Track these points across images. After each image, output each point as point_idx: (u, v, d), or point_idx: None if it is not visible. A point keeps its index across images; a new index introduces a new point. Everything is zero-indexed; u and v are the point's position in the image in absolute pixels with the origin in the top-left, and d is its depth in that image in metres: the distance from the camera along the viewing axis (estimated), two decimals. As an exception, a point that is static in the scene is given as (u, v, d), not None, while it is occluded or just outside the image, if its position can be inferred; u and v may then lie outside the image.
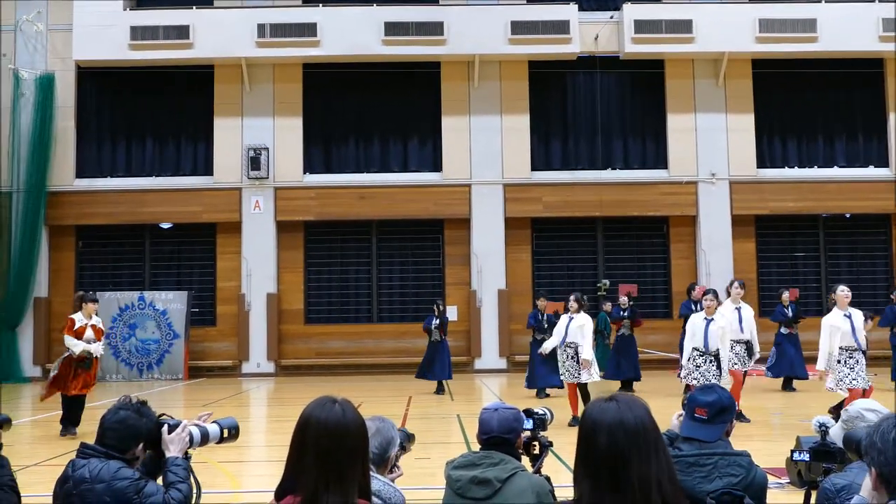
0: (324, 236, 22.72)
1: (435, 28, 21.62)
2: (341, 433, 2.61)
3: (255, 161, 21.90)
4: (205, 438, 3.79)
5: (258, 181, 22.07)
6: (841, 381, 10.61)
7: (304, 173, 22.47)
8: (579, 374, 11.86)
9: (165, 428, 3.70)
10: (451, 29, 21.62)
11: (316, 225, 22.61)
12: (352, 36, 21.50)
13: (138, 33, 21.49)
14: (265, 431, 13.21)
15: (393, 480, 3.59)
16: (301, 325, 22.33)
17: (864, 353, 10.67)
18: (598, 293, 21.19)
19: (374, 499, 2.88)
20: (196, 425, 3.79)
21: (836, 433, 3.95)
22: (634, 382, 16.20)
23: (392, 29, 21.53)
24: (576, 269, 22.70)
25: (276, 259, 22.34)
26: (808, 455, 3.98)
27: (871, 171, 22.49)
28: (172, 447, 3.68)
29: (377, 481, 3.24)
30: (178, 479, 3.61)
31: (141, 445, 3.67)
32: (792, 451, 4.18)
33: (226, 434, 3.86)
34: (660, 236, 22.87)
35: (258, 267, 22.10)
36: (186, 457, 3.71)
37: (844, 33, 21.40)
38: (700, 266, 22.06)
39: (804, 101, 22.84)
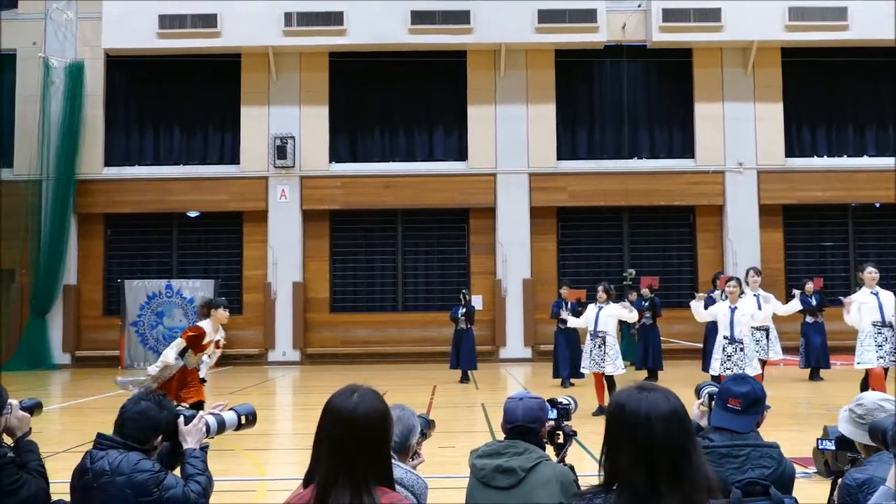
0: (349, 225, 22.77)
1: (461, 17, 21.56)
2: (353, 424, 2.59)
3: (281, 150, 21.98)
4: (221, 427, 3.81)
5: (284, 170, 22.16)
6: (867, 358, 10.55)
7: (330, 162, 22.52)
8: (605, 364, 11.79)
9: (181, 419, 3.72)
10: (478, 18, 21.56)
11: (341, 214, 22.67)
12: (378, 24, 21.50)
13: (166, 22, 21.63)
14: (291, 419, 13.29)
15: (415, 468, 3.60)
16: (327, 314, 22.42)
17: (892, 329, 10.58)
18: (624, 283, 21.07)
19: (397, 486, 2.88)
20: (212, 414, 3.82)
21: (846, 429, 3.79)
22: (658, 372, 16.13)
23: (418, 17, 21.51)
24: (601, 259, 22.61)
25: (302, 248, 22.43)
26: (833, 444, 3.91)
27: (902, 161, 22.19)
28: (190, 439, 3.69)
29: (399, 469, 3.26)
30: (197, 472, 3.62)
31: (160, 437, 3.68)
32: (818, 440, 4.11)
33: (243, 421, 3.87)
34: (686, 226, 22.72)
35: (284, 255, 22.20)
36: (203, 448, 3.73)
37: (876, 21, 21.08)
38: (727, 256, 21.91)
39: (834, 90, 22.59)
